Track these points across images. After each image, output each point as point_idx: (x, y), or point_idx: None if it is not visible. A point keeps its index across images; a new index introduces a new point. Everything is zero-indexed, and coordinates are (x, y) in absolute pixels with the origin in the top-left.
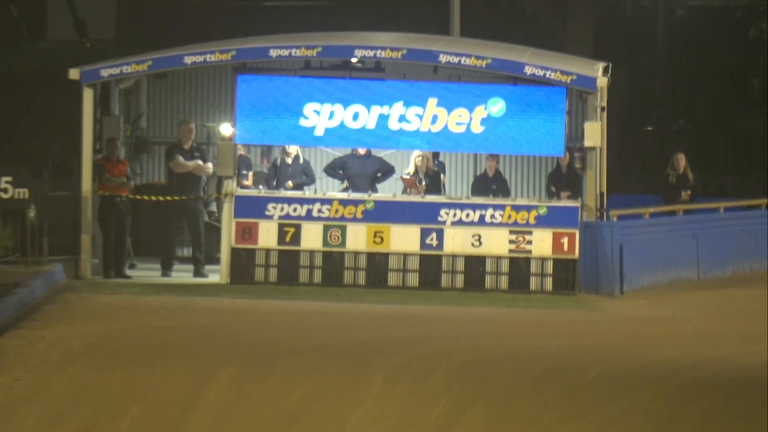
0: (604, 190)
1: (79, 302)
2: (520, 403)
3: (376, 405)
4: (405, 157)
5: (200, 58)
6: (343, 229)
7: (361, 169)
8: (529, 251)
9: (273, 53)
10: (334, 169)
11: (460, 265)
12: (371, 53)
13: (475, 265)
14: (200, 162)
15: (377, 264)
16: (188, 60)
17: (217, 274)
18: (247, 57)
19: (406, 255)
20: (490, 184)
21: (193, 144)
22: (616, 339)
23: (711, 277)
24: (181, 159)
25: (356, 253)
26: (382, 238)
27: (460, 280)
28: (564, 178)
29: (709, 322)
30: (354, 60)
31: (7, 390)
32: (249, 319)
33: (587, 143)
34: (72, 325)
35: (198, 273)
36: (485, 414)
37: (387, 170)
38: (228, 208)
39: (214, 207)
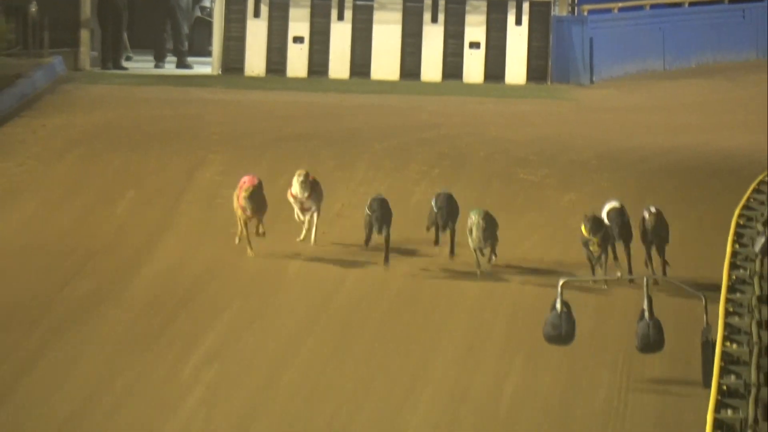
0: None
1: (78, 93)
2: (497, 186)
3: (362, 188)
4: None
5: None
6: (327, 23)
7: None
8: (504, 44)
9: None
10: None
11: (439, 56)
12: None
13: (453, 57)
14: None
15: (361, 57)
16: None
17: (209, 66)
18: None
19: (388, 50)
20: None
21: None
22: (589, 127)
23: (675, 68)
24: None
25: (341, 47)
26: (365, 34)
27: (438, 72)
28: None
29: (675, 112)
30: None
31: (10, 176)
32: (239, 109)
33: None
34: (72, 114)
35: (181, 64)
36: (463, 197)
37: None
38: (220, 3)
39: (206, 2)
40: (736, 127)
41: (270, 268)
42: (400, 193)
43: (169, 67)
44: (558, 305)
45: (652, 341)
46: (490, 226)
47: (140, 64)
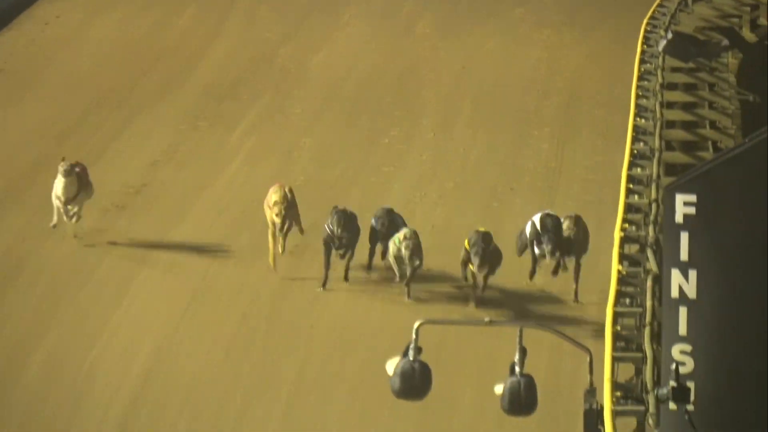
0: None
1: None
2: (465, 3)
3: (354, 23)
4: None
5: None
6: None
7: None
8: None
9: None
10: None
11: None
12: None
13: None
14: None
15: None
16: None
17: None
18: None
19: None
20: None
21: None
22: None
23: None
24: None
25: None
26: None
27: None
28: None
29: None
30: None
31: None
32: None
33: None
34: None
35: None
36: (438, 17)
37: None
38: None
39: None
40: None
41: (292, 67)
42: (388, 17)
43: None
44: (411, 351)
45: (523, 402)
46: (416, 243)
47: None
